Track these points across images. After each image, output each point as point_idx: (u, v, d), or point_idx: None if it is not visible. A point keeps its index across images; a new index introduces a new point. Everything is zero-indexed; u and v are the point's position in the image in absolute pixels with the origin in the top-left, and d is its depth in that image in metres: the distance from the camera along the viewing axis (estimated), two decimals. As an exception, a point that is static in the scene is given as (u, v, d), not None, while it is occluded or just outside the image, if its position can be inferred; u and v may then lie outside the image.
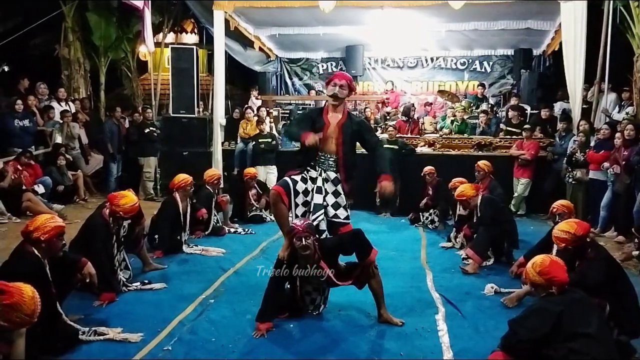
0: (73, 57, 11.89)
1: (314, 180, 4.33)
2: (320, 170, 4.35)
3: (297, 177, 4.31)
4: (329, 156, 4.35)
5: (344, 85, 4.31)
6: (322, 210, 4.30)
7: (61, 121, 9.40)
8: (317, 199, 4.30)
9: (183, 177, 6.46)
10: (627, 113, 8.75)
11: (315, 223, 4.20)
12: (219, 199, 7.61)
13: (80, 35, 12.02)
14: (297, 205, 4.29)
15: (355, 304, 4.72)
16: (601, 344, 2.88)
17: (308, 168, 4.35)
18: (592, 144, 7.97)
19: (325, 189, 4.33)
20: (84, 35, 12.14)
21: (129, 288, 4.93)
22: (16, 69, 12.70)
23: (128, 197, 4.91)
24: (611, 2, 8.71)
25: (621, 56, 9.19)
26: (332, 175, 4.35)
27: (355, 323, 4.31)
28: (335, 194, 4.35)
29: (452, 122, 10.73)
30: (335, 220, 4.35)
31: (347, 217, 4.40)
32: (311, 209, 4.29)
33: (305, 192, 4.31)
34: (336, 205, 4.35)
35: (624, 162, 7.03)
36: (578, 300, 3.05)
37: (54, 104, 9.79)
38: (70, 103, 10.28)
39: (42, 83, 9.86)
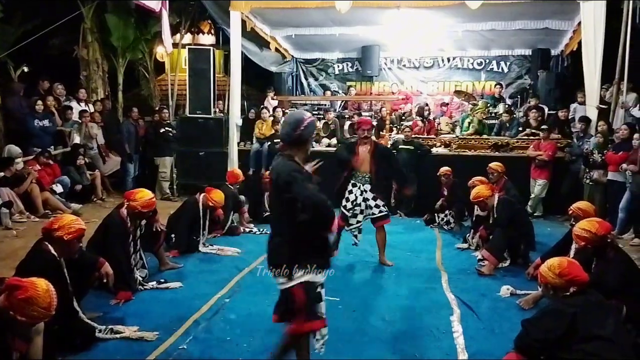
0: (91, 58, 12.02)
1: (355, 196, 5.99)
2: (359, 185, 5.97)
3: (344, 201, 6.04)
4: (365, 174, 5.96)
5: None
6: (355, 212, 6.01)
7: (80, 121, 9.50)
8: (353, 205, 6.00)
9: (217, 198, 6.55)
10: None
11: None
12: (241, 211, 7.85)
13: (98, 36, 12.15)
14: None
15: (370, 305, 4.72)
16: (617, 347, 2.84)
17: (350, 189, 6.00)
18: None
19: (363, 197, 5.95)
20: (102, 36, 12.26)
21: (145, 287, 4.98)
22: (35, 70, 12.87)
23: (144, 192, 4.99)
24: (631, 1, 8.60)
25: (640, 56, 9.07)
26: (368, 187, 5.94)
27: (370, 324, 4.31)
28: (374, 198, 5.94)
29: (468, 124, 10.64)
30: (374, 216, 5.97)
31: (381, 211, 5.96)
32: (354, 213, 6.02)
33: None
34: (376, 206, 5.93)
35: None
36: (593, 302, 3.02)
37: (74, 104, 9.89)
38: (90, 104, 10.38)
39: (59, 84, 9.98)
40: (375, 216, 5.97)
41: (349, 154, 6.05)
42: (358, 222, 6.06)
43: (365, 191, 5.95)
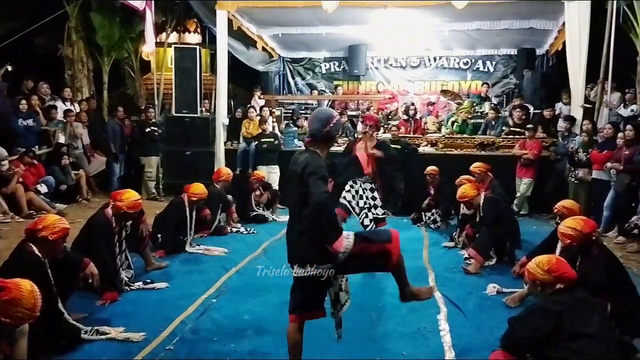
0: (76, 57, 11.94)
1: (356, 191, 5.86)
2: (360, 183, 5.84)
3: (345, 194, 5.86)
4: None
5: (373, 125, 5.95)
6: (365, 211, 5.79)
7: (65, 120, 9.42)
8: (360, 203, 5.81)
9: (197, 190, 6.42)
10: (632, 110, 8.79)
11: (360, 220, 5.75)
12: (229, 211, 7.73)
13: (83, 35, 12.08)
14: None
15: (357, 304, 4.71)
16: (602, 344, 2.87)
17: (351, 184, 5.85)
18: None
19: (366, 195, 5.82)
20: (87, 34, 12.20)
21: (131, 287, 4.94)
22: (20, 69, 12.74)
23: (130, 193, 4.94)
24: (615, 1, 8.70)
25: (624, 56, 9.19)
26: (368, 185, 5.84)
27: (358, 322, 4.31)
28: (373, 198, 5.83)
29: (452, 123, 10.72)
30: (375, 217, 5.79)
31: (377, 213, 5.82)
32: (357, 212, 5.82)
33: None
34: (375, 206, 5.82)
35: (624, 162, 7.04)
36: (579, 300, 3.04)
37: (58, 103, 9.80)
38: (76, 104, 10.29)
39: (44, 83, 9.88)
40: (372, 217, 5.80)
41: (348, 152, 5.99)
42: (371, 221, 5.78)
43: (365, 190, 5.82)
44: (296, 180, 3.10)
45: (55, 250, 3.78)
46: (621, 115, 9.02)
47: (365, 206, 5.80)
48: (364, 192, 5.82)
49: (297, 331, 3.29)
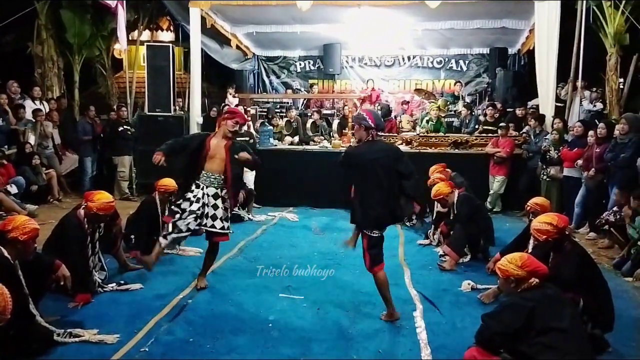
0: (46, 55, 11.69)
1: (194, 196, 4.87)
2: (203, 187, 4.91)
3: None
4: (212, 174, 4.94)
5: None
6: (194, 216, 4.78)
7: (34, 120, 9.23)
8: (194, 207, 4.81)
9: (167, 183, 6.28)
10: (594, 106, 9.13)
11: (184, 225, 4.75)
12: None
13: (53, 33, 11.82)
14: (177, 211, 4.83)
15: (334, 302, 4.73)
16: (574, 339, 2.92)
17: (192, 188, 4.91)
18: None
19: (204, 202, 4.86)
20: (57, 32, 11.94)
21: (104, 289, 4.88)
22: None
23: (103, 194, 4.86)
24: (584, 2, 8.85)
25: (594, 55, 9.37)
26: (212, 190, 4.91)
27: (334, 321, 4.32)
28: (214, 207, 4.91)
29: (427, 121, 10.81)
30: (211, 230, 4.92)
31: (223, 228, 4.96)
32: (183, 216, 4.78)
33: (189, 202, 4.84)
34: (214, 217, 4.90)
35: (595, 159, 7.17)
36: (551, 296, 3.09)
37: (27, 102, 9.61)
38: (45, 102, 10.10)
39: (14, 82, 9.67)
40: (214, 230, 4.92)
41: (199, 146, 5.04)
42: (188, 230, 4.80)
43: (208, 195, 4.88)
44: (387, 162, 4.19)
45: (26, 251, 3.71)
46: (590, 110, 9.27)
47: (198, 212, 4.82)
48: (203, 197, 4.88)
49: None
